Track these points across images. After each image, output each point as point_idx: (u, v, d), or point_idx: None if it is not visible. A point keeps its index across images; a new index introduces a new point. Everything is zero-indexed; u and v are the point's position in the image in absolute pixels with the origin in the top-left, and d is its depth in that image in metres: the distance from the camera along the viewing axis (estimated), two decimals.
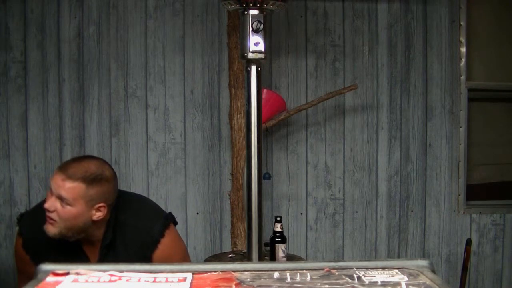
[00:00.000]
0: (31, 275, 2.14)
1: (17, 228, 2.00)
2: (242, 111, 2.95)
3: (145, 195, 3.10)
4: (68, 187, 1.73)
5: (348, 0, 3.24)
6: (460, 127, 3.33)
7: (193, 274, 0.76)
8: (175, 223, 2.04)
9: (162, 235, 1.91)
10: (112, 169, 1.88)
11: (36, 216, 1.85)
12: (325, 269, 0.77)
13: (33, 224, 1.85)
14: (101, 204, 1.79)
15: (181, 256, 2.00)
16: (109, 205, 1.83)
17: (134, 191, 3.09)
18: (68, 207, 1.74)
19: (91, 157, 1.96)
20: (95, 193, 1.77)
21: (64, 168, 1.77)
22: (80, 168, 1.77)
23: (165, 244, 1.91)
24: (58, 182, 1.74)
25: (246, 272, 0.76)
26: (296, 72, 3.23)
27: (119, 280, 0.73)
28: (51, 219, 1.75)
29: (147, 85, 3.15)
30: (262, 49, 2.41)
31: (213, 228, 3.21)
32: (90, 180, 1.76)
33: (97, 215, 1.79)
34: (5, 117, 3.06)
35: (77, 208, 1.75)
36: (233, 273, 0.76)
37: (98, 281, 0.73)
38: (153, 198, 3.13)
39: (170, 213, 2.04)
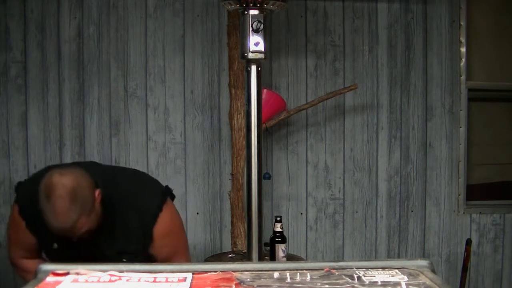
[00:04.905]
0: (23, 244, 2.08)
1: (14, 195, 2.02)
2: (242, 111, 2.95)
3: None
4: (79, 226, 1.72)
5: (348, 0, 3.24)
6: (460, 127, 3.33)
7: (193, 274, 0.76)
8: (173, 197, 2.04)
9: (160, 210, 1.91)
10: (79, 164, 1.95)
11: (33, 185, 1.80)
12: (325, 269, 0.77)
13: (30, 192, 1.82)
14: (96, 194, 1.79)
15: (180, 231, 2.05)
16: (98, 185, 1.81)
17: None
18: (89, 218, 1.74)
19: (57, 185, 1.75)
20: (90, 200, 1.75)
21: (60, 223, 1.69)
22: (68, 211, 1.68)
23: (163, 218, 1.92)
24: (71, 234, 1.73)
25: (246, 272, 0.77)
26: (296, 72, 3.23)
27: (119, 280, 0.73)
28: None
29: (147, 85, 3.15)
30: (262, 49, 2.41)
31: (213, 228, 3.21)
32: (82, 205, 1.70)
33: (98, 198, 1.79)
34: (5, 117, 3.06)
35: (92, 216, 1.76)
36: (233, 273, 0.76)
37: (98, 281, 0.73)
38: None
39: (166, 186, 2.03)
